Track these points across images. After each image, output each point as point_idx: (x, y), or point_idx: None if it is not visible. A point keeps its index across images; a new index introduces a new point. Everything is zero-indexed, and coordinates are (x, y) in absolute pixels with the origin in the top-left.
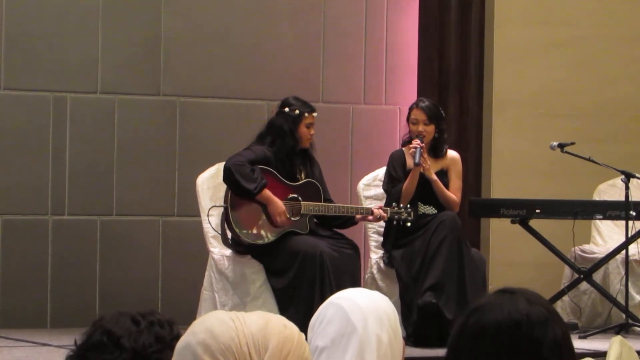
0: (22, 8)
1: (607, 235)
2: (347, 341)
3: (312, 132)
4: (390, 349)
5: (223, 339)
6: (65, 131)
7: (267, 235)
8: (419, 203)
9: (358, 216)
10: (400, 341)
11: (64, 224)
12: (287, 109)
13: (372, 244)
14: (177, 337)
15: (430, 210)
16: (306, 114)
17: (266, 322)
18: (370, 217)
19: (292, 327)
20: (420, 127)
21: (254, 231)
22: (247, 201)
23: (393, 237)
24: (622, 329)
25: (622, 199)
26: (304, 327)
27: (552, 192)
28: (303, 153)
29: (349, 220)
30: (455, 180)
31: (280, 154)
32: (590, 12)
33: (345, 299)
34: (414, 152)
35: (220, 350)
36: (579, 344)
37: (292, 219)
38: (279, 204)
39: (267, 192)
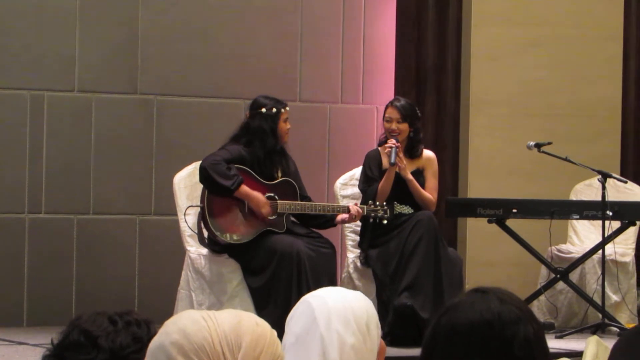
0: None
1: (583, 235)
2: (311, 338)
3: (289, 125)
4: (354, 352)
5: (196, 339)
6: (42, 130)
7: (244, 235)
8: (395, 203)
9: (338, 218)
10: (370, 346)
11: (40, 222)
12: (263, 110)
13: (349, 243)
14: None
15: (406, 209)
16: (282, 110)
17: (238, 320)
18: (346, 216)
19: (264, 325)
20: (394, 125)
21: (231, 230)
22: (223, 200)
23: (369, 236)
24: (599, 329)
25: (599, 198)
26: (280, 326)
27: (529, 192)
28: (278, 150)
29: (328, 222)
30: (431, 180)
31: (259, 154)
32: (567, 12)
33: (316, 297)
34: (390, 152)
35: (194, 351)
36: (555, 344)
37: (269, 217)
38: (259, 196)
39: (245, 188)
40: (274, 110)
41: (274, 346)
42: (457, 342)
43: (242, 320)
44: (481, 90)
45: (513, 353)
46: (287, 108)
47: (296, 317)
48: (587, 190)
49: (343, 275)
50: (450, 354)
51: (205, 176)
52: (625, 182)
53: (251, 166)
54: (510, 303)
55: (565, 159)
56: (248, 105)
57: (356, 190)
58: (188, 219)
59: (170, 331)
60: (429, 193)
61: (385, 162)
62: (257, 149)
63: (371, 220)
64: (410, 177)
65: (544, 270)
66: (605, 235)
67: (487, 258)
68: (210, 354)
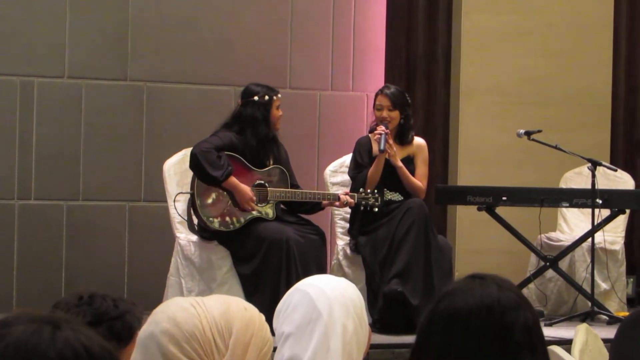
0: None
1: (573, 223)
2: (313, 327)
3: (281, 112)
4: (355, 337)
5: (187, 327)
6: (32, 116)
7: (234, 222)
8: (385, 189)
9: (325, 202)
10: (365, 329)
11: (30, 208)
12: (255, 98)
13: (339, 230)
14: (122, 314)
15: (396, 196)
16: (274, 98)
17: (227, 306)
18: (337, 203)
19: (252, 309)
20: (384, 113)
21: (220, 217)
22: (213, 187)
23: (359, 223)
24: (588, 317)
25: (589, 186)
26: (270, 313)
27: (519, 180)
28: (271, 138)
29: (316, 206)
30: (422, 167)
31: (251, 142)
32: (558, 0)
33: (312, 286)
34: (379, 139)
35: (185, 338)
36: (545, 332)
37: (259, 205)
38: (245, 190)
39: (233, 180)
40: (266, 97)
41: (264, 330)
42: (456, 328)
43: (230, 306)
44: (471, 79)
45: (513, 338)
46: (279, 95)
47: (292, 306)
48: (577, 178)
49: (333, 263)
50: (449, 340)
51: (195, 163)
52: (615, 170)
53: (242, 154)
54: (509, 289)
55: (555, 147)
56: (239, 93)
57: (346, 177)
58: (178, 205)
59: (159, 320)
60: (419, 180)
61: (375, 149)
62: (250, 137)
63: (362, 208)
64: (400, 164)
65: (533, 258)
66: (595, 223)
67: (477, 246)
68: (202, 341)
